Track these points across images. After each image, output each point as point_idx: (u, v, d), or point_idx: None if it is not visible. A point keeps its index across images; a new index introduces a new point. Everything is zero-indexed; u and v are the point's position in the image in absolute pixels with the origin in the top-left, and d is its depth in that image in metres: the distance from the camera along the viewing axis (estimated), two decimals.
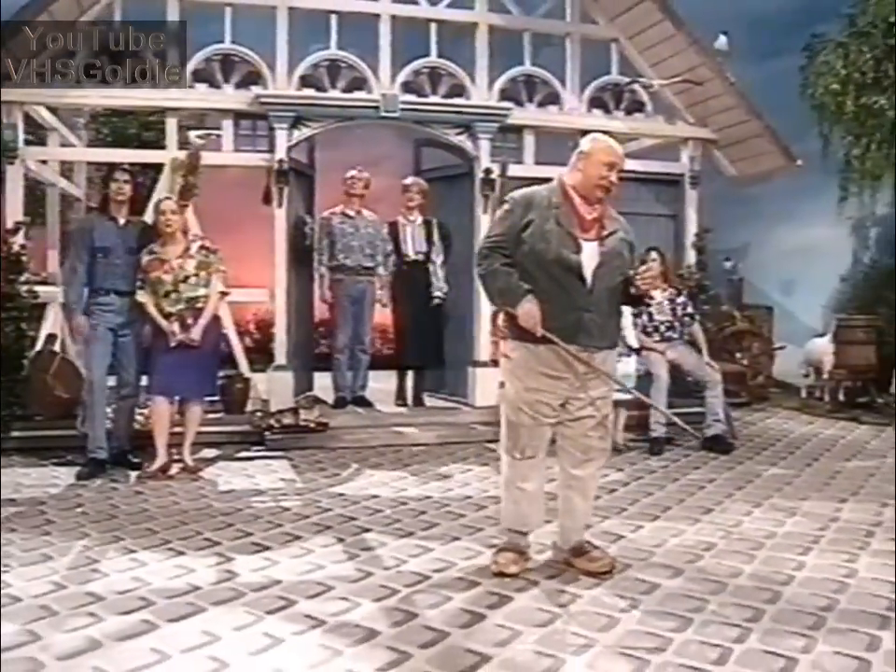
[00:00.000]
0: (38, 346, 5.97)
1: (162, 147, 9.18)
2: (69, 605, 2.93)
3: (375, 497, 4.59)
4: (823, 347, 8.27)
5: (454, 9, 6.73)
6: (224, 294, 5.23)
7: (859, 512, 4.25)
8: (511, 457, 3.35)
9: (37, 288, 6.02)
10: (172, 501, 4.45)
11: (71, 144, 7.60)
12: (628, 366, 5.91)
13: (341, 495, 4.63)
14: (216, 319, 5.27)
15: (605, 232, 3.23)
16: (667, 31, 6.70)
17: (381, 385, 7.17)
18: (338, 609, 2.90)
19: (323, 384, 6.96)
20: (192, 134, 6.20)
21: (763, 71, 9.95)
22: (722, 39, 6.75)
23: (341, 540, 3.74)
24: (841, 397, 8.09)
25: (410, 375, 7.01)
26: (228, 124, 6.28)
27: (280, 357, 6.43)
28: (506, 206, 3.33)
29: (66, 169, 7.74)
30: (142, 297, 5.04)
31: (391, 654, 2.54)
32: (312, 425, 6.10)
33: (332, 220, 6.57)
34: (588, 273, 3.17)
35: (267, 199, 6.35)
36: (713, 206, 7.89)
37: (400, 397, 6.98)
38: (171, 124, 6.17)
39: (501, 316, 3.43)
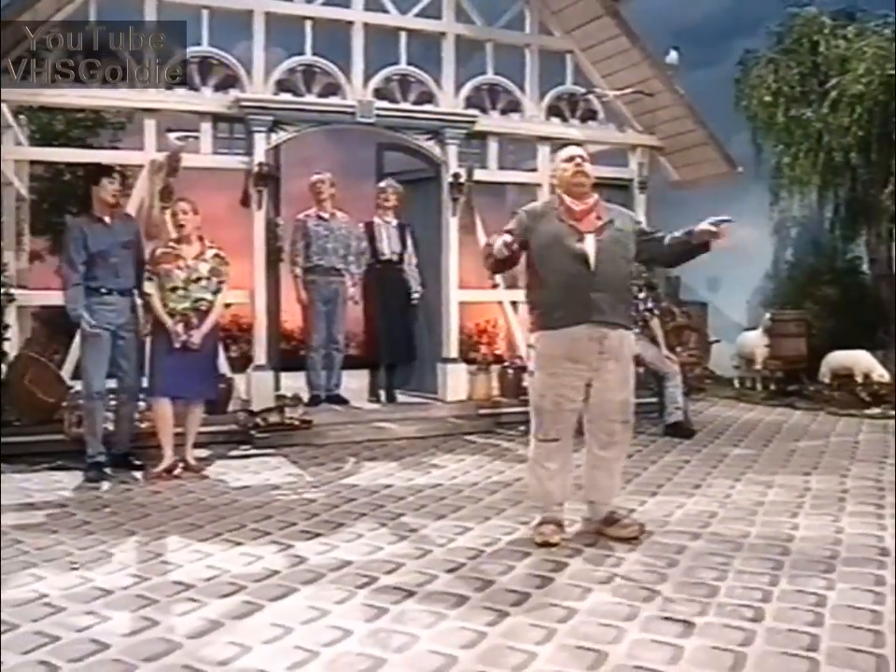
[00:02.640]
0: (15, 350, 5.99)
1: (89, 146, 9.29)
2: (164, 593, 3.15)
3: (389, 486, 4.96)
4: (755, 340, 9.15)
5: (423, 19, 7.13)
6: (227, 305, 5.51)
7: (825, 483, 4.94)
8: (536, 439, 3.83)
9: (13, 292, 6.04)
10: (196, 498, 4.68)
11: (20, 142, 7.55)
12: None
13: (355, 486, 4.97)
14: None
15: (600, 224, 3.76)
16: (623, 45, 7.33)
17: (345, 382, 7.47)
18: (419, 581, 3.27)
19: (287, 384, 7.21)
20: (172, 136, 6.34)
21: (690, 81, 10.81)
22: (673, 54, 7.44)
23: (383, 525, 4.10)
24: (771, 386, 8.99)
25: (380, 372, 7.38)
26: (206, 127, 6.45)
27: (260, 357, 6.67)
28: (516, 217, 3.90)
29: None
30: (150, 287, 5.21)
31: (491, 613, 2.94)
32: (297, 423, 6.39)
33: (308, 223, 6.86)
34: (592, 258, 3.67)
35: (245, 201, 6.57)
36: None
37: (373, 393, 7.33)
38: (149, 126, 6.28)
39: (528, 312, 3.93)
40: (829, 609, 2.94)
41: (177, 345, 5.19)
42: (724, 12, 11.17)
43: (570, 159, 3.83)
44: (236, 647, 2.69)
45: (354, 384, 7.47)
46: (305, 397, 6.86)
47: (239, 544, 3.80)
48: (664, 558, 3.54)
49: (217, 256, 5.36)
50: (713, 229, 3.63)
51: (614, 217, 3.83)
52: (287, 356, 7.48)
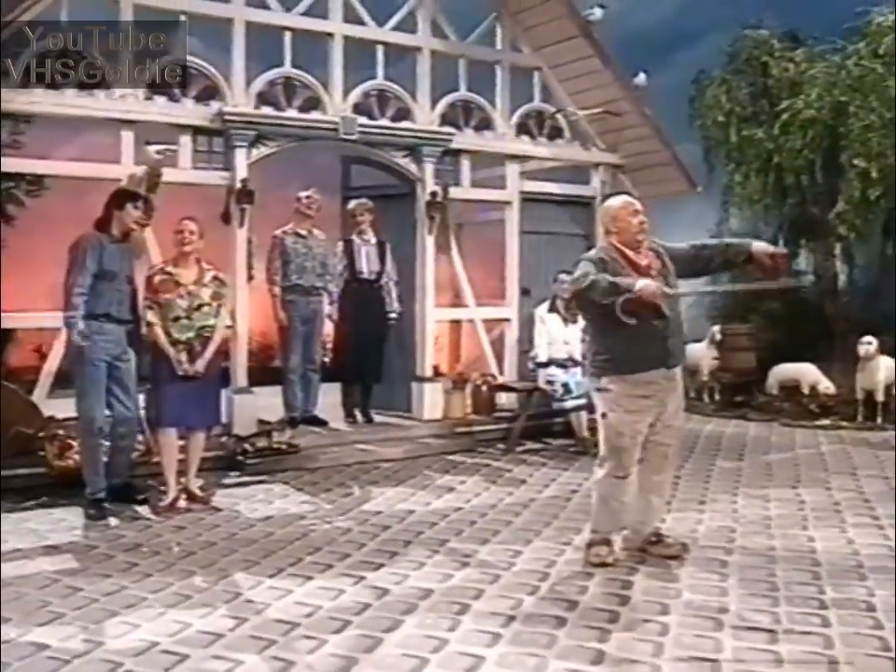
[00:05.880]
0: None
1: None
2: (274, 632, 3.44)
3: (412, 511, 5.40)
4: (701, 352, 10.05)
5: (400, 32, 7.57)
6: (229, 327, 5.76)
7: (814, 496, 5.74)
8: (614, 477, 4.31)
9: None
10: (227, 532, 4.95)
11: None
12: (577, 375, 7.16)
13: (379, 512, 5.38)
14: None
15: (655, 273, 4.34)
16: (594, 66, 8.01)
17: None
18: (510, 605, 3.75)
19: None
20: (151, 149, 6.49)
21: None
22: (642, 76, 8.18)
23: (435, 552, 4.54)
24: (716, 396, 9.94)
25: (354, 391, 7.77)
26: (185, 140, 6.65)
27: (241, 379, 6.93)
28: (584, 264, 4.25)
29: None
30: (151, 317, 5.39)
31: (594, 631, 3.46)
32: (284, 447, 6.71)
33: (285, 240, 7.17)
34: (665, 307, 4.25)
35: (226, 218, 6.81)
36: None
37: (349, 414, 7.70)
38: (127, 137, 6.42)
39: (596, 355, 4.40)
40: (882, 613, 3.63)
41: (181, 374, 5.42)
42: (661, 23, 12.12)
43: (635, 213, 4.26)
44: None
45: (322, 401, 7.80)
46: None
47: (310, 578, 4.13)
48: (714, 573, 4.16)
49: (216, 278, 5.60)
50: (773, 251, 4.25)
51: (651, 261, 4.39)
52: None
